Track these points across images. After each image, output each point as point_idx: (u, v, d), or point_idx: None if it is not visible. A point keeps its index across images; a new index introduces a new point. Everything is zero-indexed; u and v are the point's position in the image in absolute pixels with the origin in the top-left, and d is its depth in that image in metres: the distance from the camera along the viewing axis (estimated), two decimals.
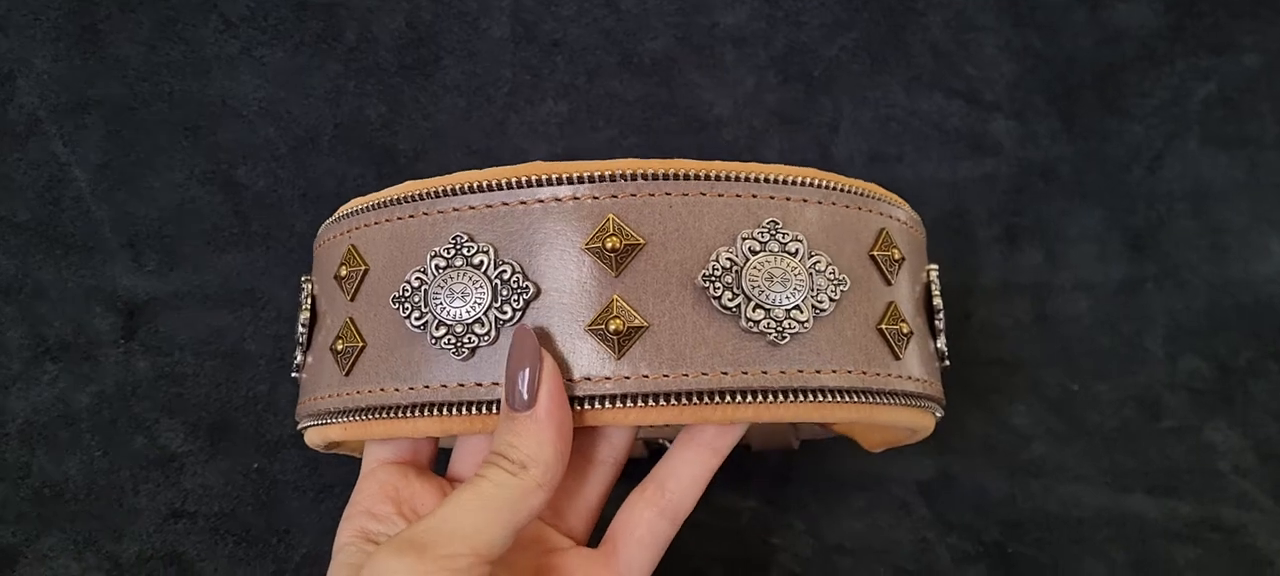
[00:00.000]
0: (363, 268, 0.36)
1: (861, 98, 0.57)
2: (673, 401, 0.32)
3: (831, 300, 0.34)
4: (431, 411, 0.34)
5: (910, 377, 0.36)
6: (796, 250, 0.34)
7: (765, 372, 0.33)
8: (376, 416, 0.34)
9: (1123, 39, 0.59)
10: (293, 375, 0.39)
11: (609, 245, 0.33)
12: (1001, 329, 0.55)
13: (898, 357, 0.36)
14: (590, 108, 0.56)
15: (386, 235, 0.35)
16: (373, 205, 0.36)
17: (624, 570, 0.37)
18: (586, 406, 0.33)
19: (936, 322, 0.39)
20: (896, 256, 0.36)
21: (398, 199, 0.35)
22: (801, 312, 0.33)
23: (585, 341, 0.33)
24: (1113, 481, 0.52)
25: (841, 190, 0.36)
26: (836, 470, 0.52)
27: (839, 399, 0.34)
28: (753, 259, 0.33)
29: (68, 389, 0.51)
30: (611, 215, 0.33)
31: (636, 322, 0.32)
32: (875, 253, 0.36)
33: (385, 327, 0.35)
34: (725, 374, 0.33)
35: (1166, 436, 0.53)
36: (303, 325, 0.39)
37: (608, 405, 0.33)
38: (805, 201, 0.35)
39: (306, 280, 0.39)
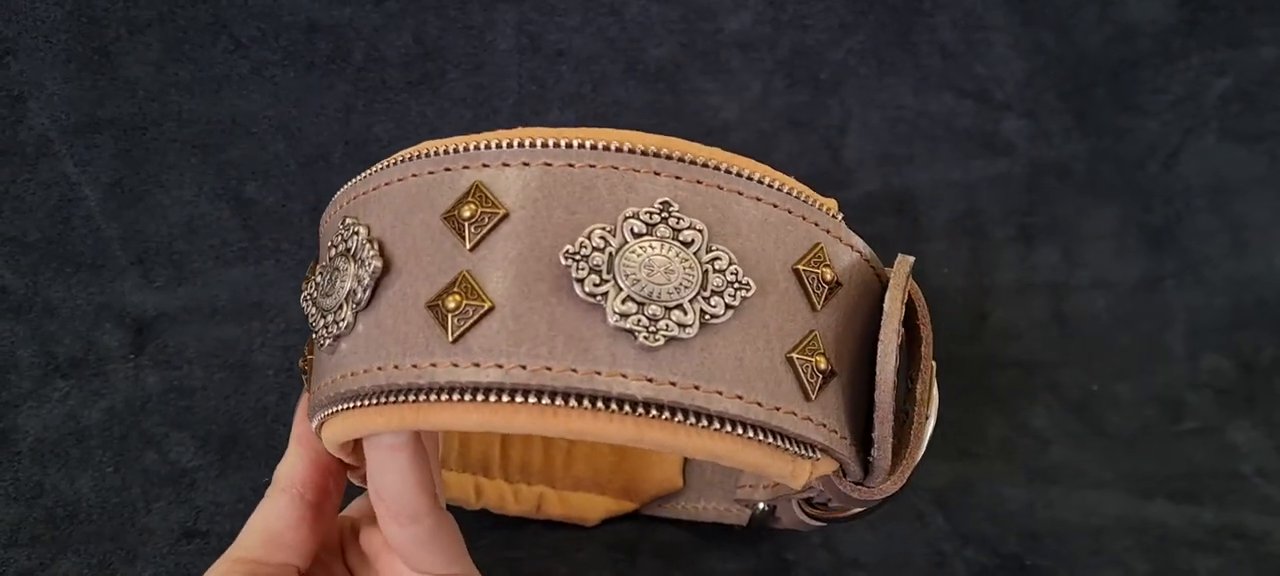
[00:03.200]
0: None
1: (870, 99, 0.57)
2: (505, 398, 0.27)
3: (728, 307, 0.28)
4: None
5: (821, 425, 0.30)
6: (692, 241, 0.28)
7: (624, 377, 0.27)
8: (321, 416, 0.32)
9: (1136, 34, 0.58)
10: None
11: (465, 213, 0.29)
12: (1019, 329, 0.54)
13: (809, 398, 0.29)
14: (597, 116, 0.56)
15: (320, 237, 0.34)
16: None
17: (425, 567, 0.36)
18: (413, 398, 0.28)
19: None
20: (827, 278, 0.30)
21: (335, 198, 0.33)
22: (685, 314, 0.28)
23: (421, 318, 0.28)
24: (1133, 486, 0.51)
25: (775, 188, 0.30)
26: None
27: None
28: (633, 242, 0.28)
29: (78, 405, 0.51)
30: (476, 182, 0.29)
31: (478, 301, 0.28)
32: (801, 267, 0.30)
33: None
34: (574, 370, 0.27)
35: (1188, 438, 0.52)
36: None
37: (433, 398, 0.28)
38: (720, 189, 0.29)
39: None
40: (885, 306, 0.32)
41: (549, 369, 0.27)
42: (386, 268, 0.30)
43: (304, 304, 0.34)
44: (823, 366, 0.30)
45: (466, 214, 0.29)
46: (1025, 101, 0.57)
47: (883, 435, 0.32)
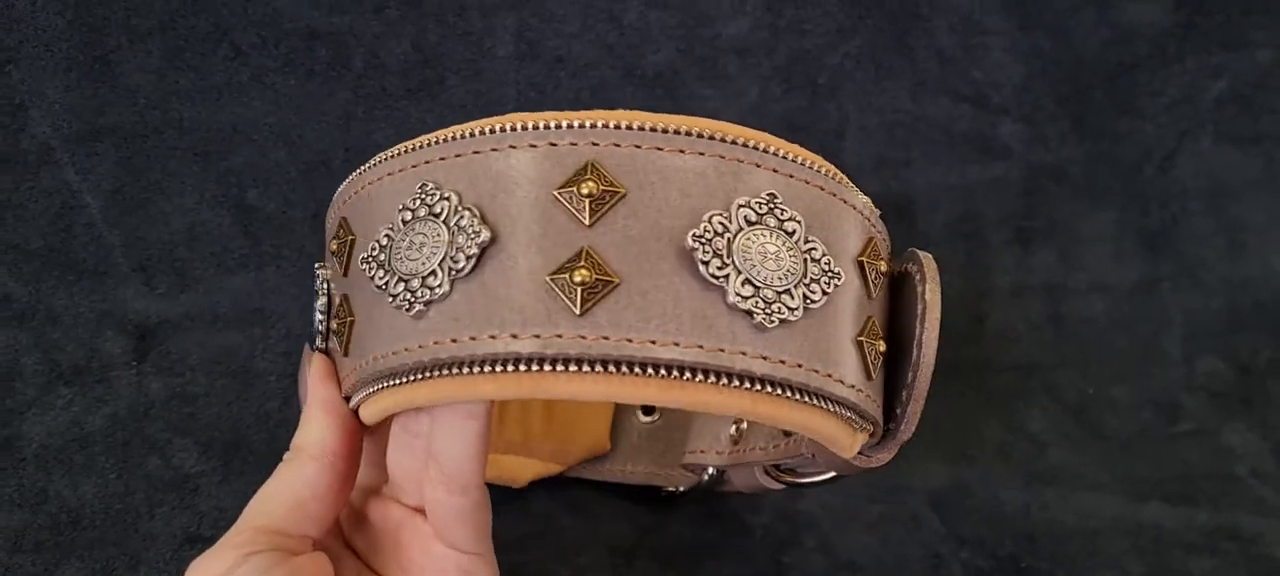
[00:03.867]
0: (350, 238, 0.33)
1: (867, 104, 0.57)
2: (637, 371, 0.29)
3: (824, 293, 0.30)
4: (402, 380, 0.31)
5: (873, 400, 0.33)
6: (794, 231, 0.30)
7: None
8: (375, 389, 0.32)
9: (1133, 38, 0.59)
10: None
11: (584, 190, 0.29)
12: (1016, 332, 0.54)
13: (870, 377, 0.32)
14: None
15: (367, 197, 0.33)
16: (359, 173, 0.34)
17: (450, 542, 0.36)
18: (533, 368, 0.29)
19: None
20: (882, 270, 0.33)
21: (378, 160, 0.33)
22: (792, 299, 0.30)
23: (541, 290, 0.29)
24: (1129, 489, 0.51)
25: (839, 182, 0.32)
26: (848, 482, 0.52)
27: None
28: (747, 229, 0.30)
29: (82, 412, 0.51)
30: (591, 160, 0.30)
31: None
32: (863, 259, 0.32)
33: (366, 296, 0.32)
34: (701, 347, 0.29)
35: (1184, 440, 0.52)
36: (320, 310, 0.35)
37: (561, 368, 0.29)
38: (807, 183, 0.31)
39: (320, 267, 0.36)
40: (926, 298, 0.34)
41: (676, 343, 0.29)
42: (494, 238, 0.30)
43: (362, 266, 0.32)
44: (882, 349, 0.33)
45: (585, 190, 0.29)
46: (1022, 105, 0.57)
47: (913, 411, 0.35)
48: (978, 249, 0.55)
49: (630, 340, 0.29)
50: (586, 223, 0.29)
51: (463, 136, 0.31)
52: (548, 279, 0.29)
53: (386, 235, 0.32)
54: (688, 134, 0.30)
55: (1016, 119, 0.57)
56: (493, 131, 0.31)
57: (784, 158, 0.31)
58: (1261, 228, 0.56)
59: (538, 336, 0.29)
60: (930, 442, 0.53)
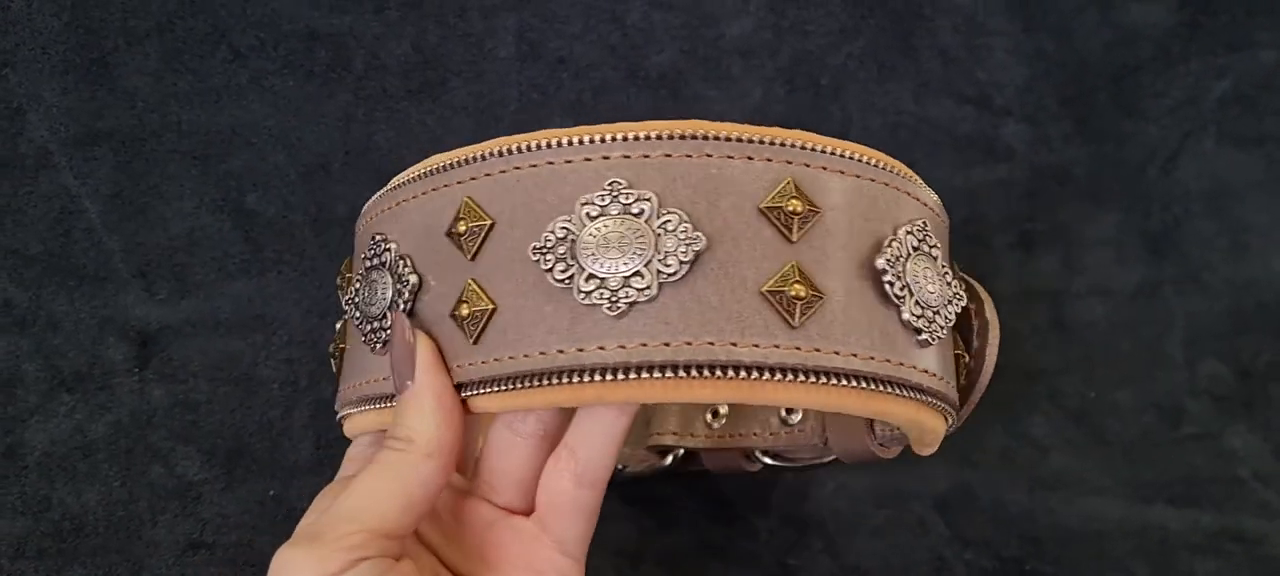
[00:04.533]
0: (487, 222, 0.32)
1: (870, 105, 0.57)
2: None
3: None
4: (589, 377, 0.31)
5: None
6: (641, 211, 0.31)
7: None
8: (530, 385, 0.31)
9: (1136, 39, 0.58)
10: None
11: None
12: (1019, 336, 0.54)
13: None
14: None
15: (511, 183, 0.32)
16: (495, 152, 0.33)
17: (558, 538, 0.36)
18: (753, 376, 0.30)
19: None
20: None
21: (525, 147, 0.32)
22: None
23: (754, 302, 0.31)
24: (1133, 492, 0.52)
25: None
26: (854, 486, 0.52)
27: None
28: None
29: (84, 420, 0.51)
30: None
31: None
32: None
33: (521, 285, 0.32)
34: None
35: (1187, 443, 0.52)
36: (407, 290, 0.34)
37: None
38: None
39: (379, 237, 0.35)
40: (988, 316, 0.39)
41: (872, 357, 0.32)
42: (709, 246, 0.31)
43: (532, 256, 0.31)
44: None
45: (791, 208, 0.31)
46: (1025, 107, 0.57)
47: (965, 413, 0.39)
48: (981, 252, 0.55)
49: (837, 353, 0.31)
50: (793, 239, 0.31)
51: (648, 137, 0.32)
52: (759, 293, 0.31)
53: (564, 227, 0.31)
54: (852, 159, 0.33)
55: (1020, 120, 0.57)
56: (692, 137, 0.31)
57: (630, 140, 0.31)
58: (1265, 229, 0.56)
59: (757, 345, 0.30)
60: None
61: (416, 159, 0.55)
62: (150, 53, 0.56)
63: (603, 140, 0.32)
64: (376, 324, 0.34)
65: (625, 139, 0.31)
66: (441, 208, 0.33)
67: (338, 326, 0.39)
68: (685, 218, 0.31)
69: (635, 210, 0.31)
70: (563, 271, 0.31)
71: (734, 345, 0.30)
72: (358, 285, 0.36)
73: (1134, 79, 0.58)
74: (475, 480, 0.37)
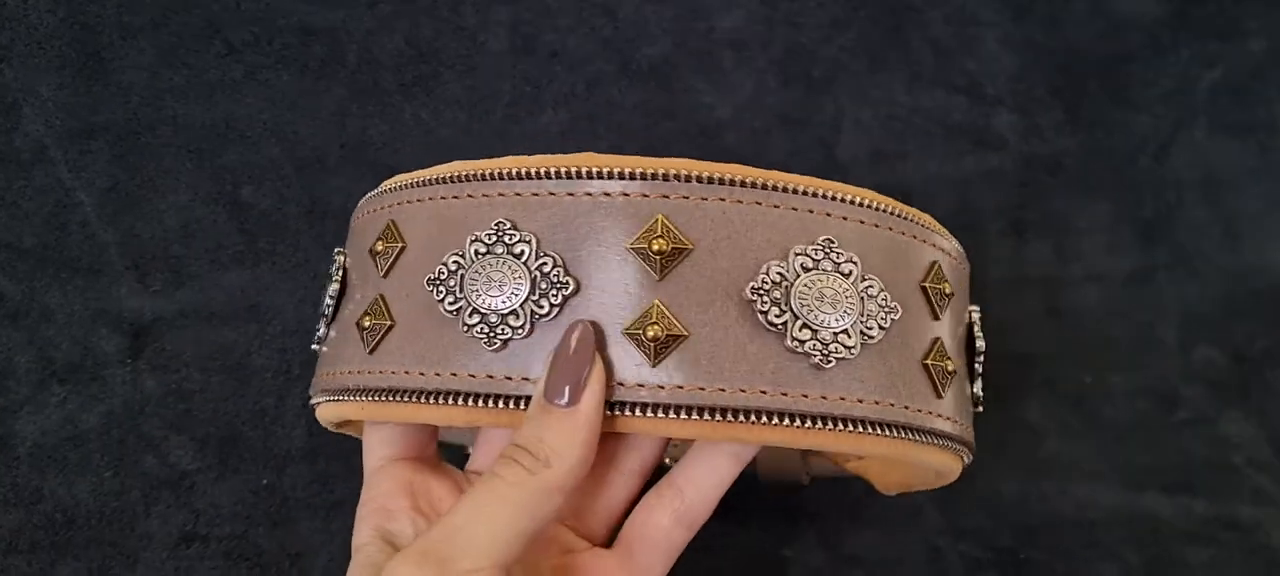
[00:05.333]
0: (400, 245, 0.34)
1: (863, 96, 0.57)
2: (705, 416, 0.31)
3: (881, 328, 0.32)
4: (458, 400, 0.32)
5: (947, 418, 0.34)
6: (850, 272, 0.32)
7: (805, 396, 0.31)
8: (400, 399, 0.33)
9: (1126, 29, 0.59)
10: (314, 346, 0.37)
11: (655, 247, 0.31)
12: (1013, 324, 0.54)
13: (939, 396, 0.34)
14: (590, 116, 0.56)
15: (427, 213, 0.34)
16: (417, 182, 0.35)
17: (639, 572, 0.37)
18: (618, 412, 0.31)
19: (976, 365, 0.37)
20: (947, 291, 0.35)
21: (444, 178, 0.34)
22: (850, 338, 0.32)
23: (621, 345, 0.31)
24: (1127, 479, 0.51)
25: (897, 215, 0.34)
26: (849, 475, 0.51)
27: (876, 431, 0.32)
28: (804, 276, 0.32)
29: (76, 410, 0.51)
30: (661, 215, 0.32)
31: (676, 331, 0.31)
32: (927, 284, 0.34)
33: (416, 309, 0.33)
34: (763, 392, 0.31)
35: (1181, 430, 0.52)
36: (330, 296, 0.37)
37: (638, 413, 0.31)
38: (862, 223, 0.33)
39: (340, 252, 0.38)
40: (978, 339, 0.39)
41: (743, 391, 0.31)
42: (577, 288, 0.32)
43: (427, 285, 0.33)
44: (951, 369, 0.35)
45: (655, 248, 0.31)
46: (1017, 97, 0.57)
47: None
48: (974, 241, 0.55)
49: (702, 388, 0.31)
50: (656, 277, 0.31)
51: (538, 173, 0.33)
52: (623, 333, 0.31)
53: (456, 261, 0.33)
54: (748, 185, 0.32)
55: (1011, 110, 0.57)
56: (571, 174, 0.32)
57: (837, 200, 0.33)
58: (1257, 216, 0.56)
59: (622, 383, 0.31)
60: None
61: (411, 152, 0.56)
62: (145, 47, 0.57)
63: (489, 177, 0.33)
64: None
65: (512, 176, 0.33)
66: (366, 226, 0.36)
67: (331, 292, 0.38)
68: (558, 261, 0.32)
69: (517, 250, 0.32)
70: (452, 303, 0.32)
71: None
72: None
73: (1125, 68, 0.58)
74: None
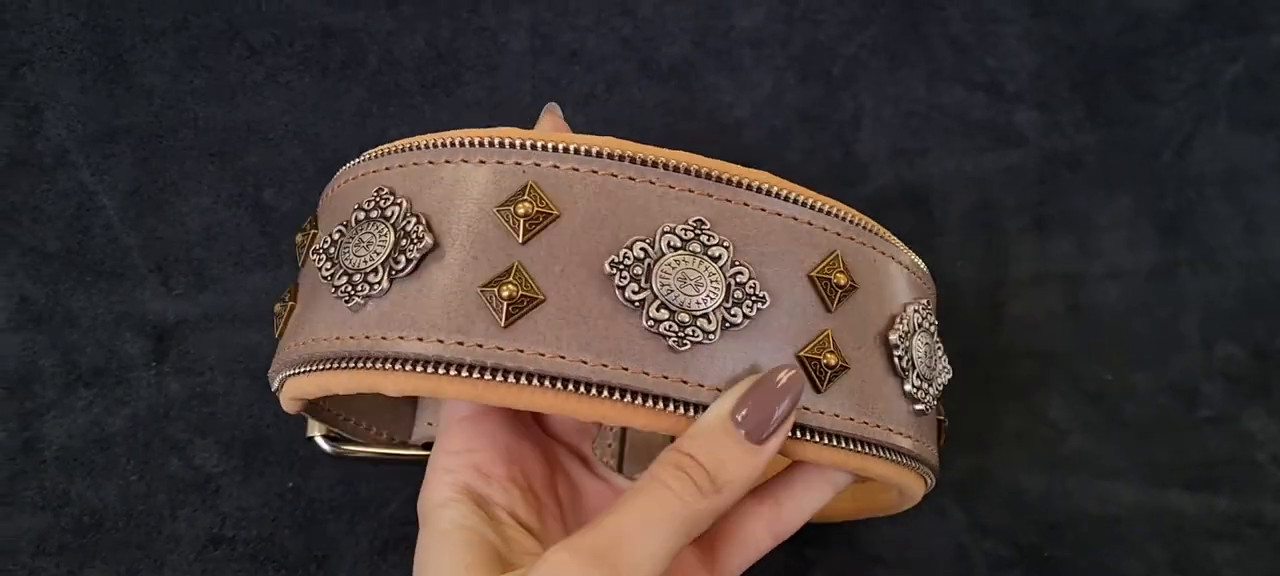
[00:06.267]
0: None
1: (882, 94, 0.57)
2: (548, 384, 0.30)
3: (746, 316, 0.31)
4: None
5: (824, 413, 0.33)
6: (719, 256, 0.31)
7: (653, 375, 0.30)
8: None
9: (1146, 23, 0.59)
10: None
11: (520, 210, 0.31)
12: (1035, 320, 0.54)
13: (817, 390, 0.32)
14: (610, 116, 0.57)
15: (332, 198, 0.36)
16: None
17: (722, 571, 0.37)
18: (458, 373, 0.30)
19: (896, 360, 0.35)
20: (842, 282, 0.33)
21: (347, 165, 0.36)
22: (709, 322, 0.31)
23: (473, 300, 0.31)
24: (1150, 476, 0.51)
25: (796, 202, 0.33)
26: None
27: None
28: (669, 255, 0.31)
29: (102, 414, 0.51)
30: (532, 182, 0.32)
31: (533, 293, 0.30)
32: (816, 275, 0.33)
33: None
34: (604, 366, 0.30)
35: (1204, 426, 0.52)
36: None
37: (482, 377, 0.30)
38: (746, 206, 0.32)
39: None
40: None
41: (584, 362, 0.30)
42: (435, 245, 0.32)
43: (313, 256, 0.34)
44: (832, 362, 0.33)
45: (521, 210, 0.31)
46: (1037, 93, 0.57)
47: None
48: (995, 237, 0.55)
49: (544, 354, 0.30)
50: (520, 241, 0.31)
51: (420, 147, 0.34)
52: (478, 290, 0.31)
53: (340, 231, 0.34)
54: (621, 159, 0.32)
55: (1031, 106, 0.57)
56: (448, 144, 0.33)
57: (719, 181, 0.32)
58: (1278, 211, 0.55)
59: (461, 343, 0.30)
60: (951, 432, 0.53)
61: None
62: (167, 51, 0.57)
63: (384, 154, 0.35)
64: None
65: (398, 151, 0.34)
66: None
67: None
68: (423, 221, 0.32)
69: (388, 214, 0.33)
70: (328, 269, 0.33)
71: (440, 343, 0.31)
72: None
73: (1145, 63, 0.58)
74: None
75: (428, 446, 0.46)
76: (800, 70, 0.58)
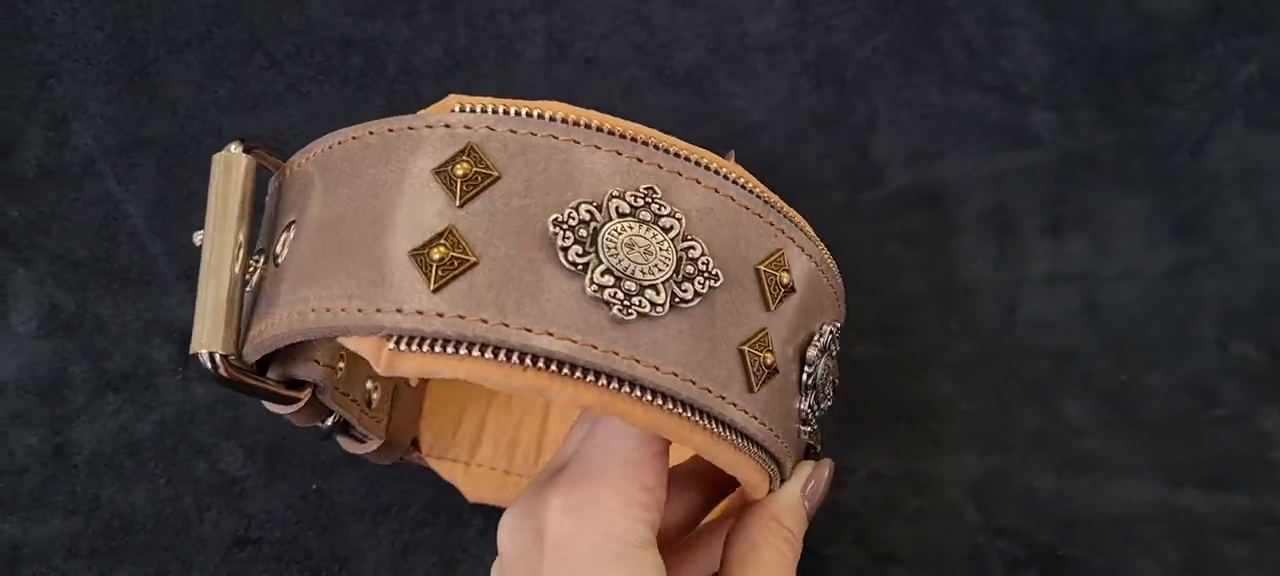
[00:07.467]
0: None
1: (896, 97, 0.58)
2: (480, 353, 0.28)
3: (697, 294, 0.30)
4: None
5: (755, 418, 0.31)
6: (671, 227, 0.30)
7: (595, 348, 0.28)
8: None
9: (1159, 25, 0.59)
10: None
11: (458, 171, 0.29)
12: (1050, 320, 0.54)
13: (751, 389, 0.31)
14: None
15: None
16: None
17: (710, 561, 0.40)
18: (394, 345, 0.29)
19: (805, 376, 0.34)
20: (785, 281, 0.32)
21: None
22: (658, 294, 0.29)
23: (404, 266, 0.29)
24: (1165, 475, 0.52)
25: (749, 191, 0.32)
26: (887, 473, 0.52)
27: (672, 408, 0.29)
28: (617, 220, 0.29)
29: (130, 419, 0.52)
30: (470, 143, 0.30)
31: (463, 255, 0.29)
32: (762, 268, 0.32)
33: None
34: (549, 333, 0.28)
35: (1219, 426, 0.52)
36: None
37: (411, 347, 0.29)
38: (698, 183, 0.31)
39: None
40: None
41: (529, 329, 0.28)
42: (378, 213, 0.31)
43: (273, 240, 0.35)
44: (768, 361, 0.31)
45: (459, 171, 0.29)
46: (1051, 94, 0.58)
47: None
48: (1011, 238, 0.55)
49: (483, 320, 0.28)
50: (457, 203, 0.29)
51: (372, 132, 0.32)
52: (408, 255, 0.29)
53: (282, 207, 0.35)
54: (564, 122, 0.30)
55: (1046, 108, 0.57)
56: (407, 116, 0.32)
57: (674, 155, 0.31)
58: None
59: (400, 310, 0.29)
60: (966, 432, 0.53)
61: None
62: (190, 62, 0.58)
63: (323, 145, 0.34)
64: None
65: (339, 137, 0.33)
66: None
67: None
68: (320, 183, 0.32)
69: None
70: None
71: (360, 311, 0.29)
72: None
73: (1158, 65, 0.58)
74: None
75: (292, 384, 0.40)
76: (814, 75, 0.58)
